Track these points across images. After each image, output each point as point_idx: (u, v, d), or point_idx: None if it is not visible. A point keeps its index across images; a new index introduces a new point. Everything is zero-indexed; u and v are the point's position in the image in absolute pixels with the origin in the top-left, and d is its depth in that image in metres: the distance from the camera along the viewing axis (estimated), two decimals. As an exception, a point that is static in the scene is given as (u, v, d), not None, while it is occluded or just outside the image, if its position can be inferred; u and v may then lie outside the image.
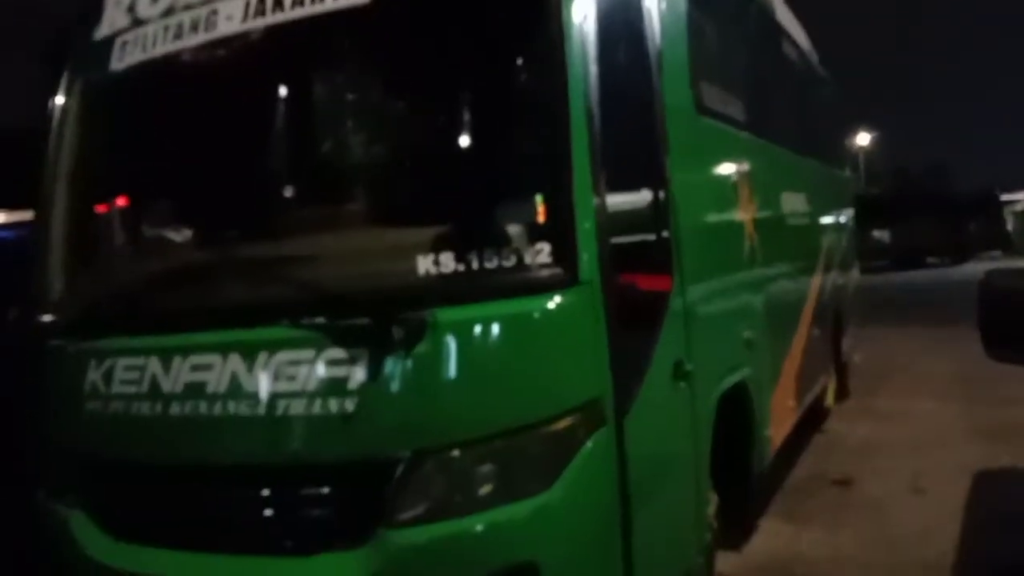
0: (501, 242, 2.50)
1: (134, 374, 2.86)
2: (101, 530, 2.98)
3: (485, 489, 2.50)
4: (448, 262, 2.51)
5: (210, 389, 2.69)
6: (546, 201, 2.57)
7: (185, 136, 3.20)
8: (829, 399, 7.21)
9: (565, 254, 2.52)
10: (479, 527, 2.48)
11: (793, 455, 6.16)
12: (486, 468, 2.51)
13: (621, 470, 2.65)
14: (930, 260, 28.05)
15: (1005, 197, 33.09)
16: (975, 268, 24.39)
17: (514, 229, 2.52)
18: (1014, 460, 5.72)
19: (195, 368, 2.73)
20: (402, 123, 2.78)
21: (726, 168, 4.26)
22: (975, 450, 6.11)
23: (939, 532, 4.61)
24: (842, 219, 8.16)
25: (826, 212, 7.24)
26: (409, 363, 2.48)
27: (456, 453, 2.51)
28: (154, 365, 2.81)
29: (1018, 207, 36.10)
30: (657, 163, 3.25)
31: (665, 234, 3.24)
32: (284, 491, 2.67)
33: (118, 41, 3.29)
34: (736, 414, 4.09)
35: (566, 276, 2.53)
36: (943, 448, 6.26)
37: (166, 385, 2.78)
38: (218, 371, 2.68)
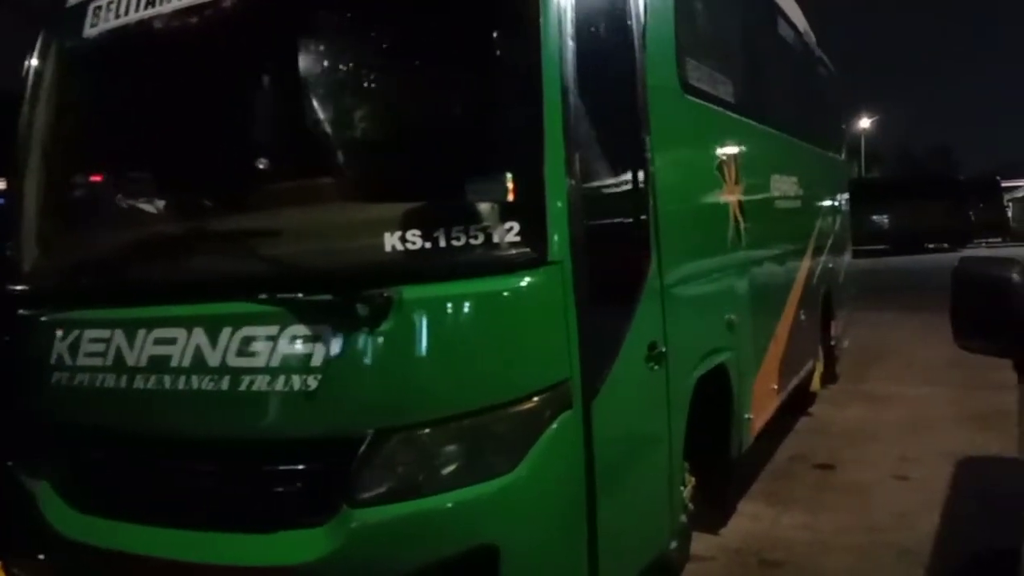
0: (470, 220, 2.46)
1: (100, 346, 2.83)
2: (67, 503, 2.97)
3: (448, 469, 2.48)
4: (415, 239, 2.47)
5: (174, 363, 2.67)
6: (516, 179, 2.52)
7: (155, 106, 3.15)
8: (815, 383, 7.18)
9: (534, 233, 2.48)
10: (442, 507, 2.46)
11: (778, 438, 6.14)
12: (450, 448, 2.49)
13: (588, 452, 2.63)
14: (930, 245, 28.00)
15: (1006, 183, 33.00)
16: (975, 254, 24.31)
17: (483, 207, 2.48)
18: (1001, 447, 5.69)
19: (159, 342, 2.70)
20: (372, 97, 2.72)
21: (712, 149, 4.20)
22: (962, 436, 6.10)
23: (919, 518, 4.60)
24: (835, 202, 8.09)
25: (817, 195, 7.18)
26: (373, 341, 2.45)
27: (420, 432, 2.49)
28: (119, 338, 2.78)
29: (1019, 193, 36.04)
30: (637, 142, 3.20)
31: (643, 215, 3.20)
32: (246, 467, 2.65)
33: (92, 6, 3.24)
34: (715, 396, 4.07)
35: (535, 256, 2.49)
36: (930, 433, 6.25)
37: (131, 358, 2.75)
38: (182, 345, 2.65)
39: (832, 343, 7.67)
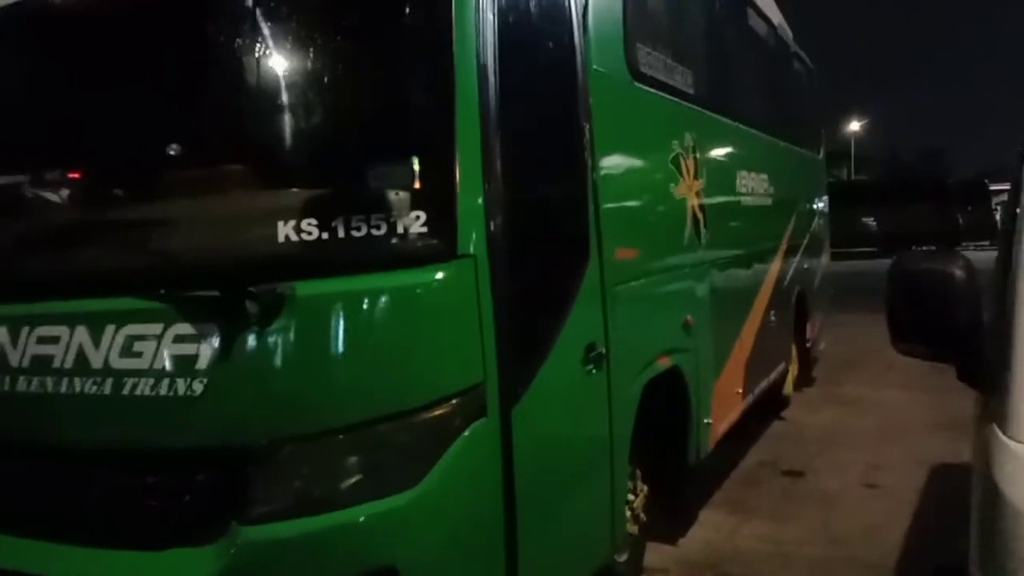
0: (372, 208, 2.24)
1: None
2: None
3: (346, 483, 2.26)
4: (312, 229, 2.24)
5: (56, 364, 2.44)
6: (423, 163, 2.30)
7: (45, 91, 2.91)
8: (788, 387, 6.99)
9: (443, 224, 2.27)
10: (338, 525, 2.23)
11: (748, 443, 5.98)
12: (348, 460, 2.27)
13: (506, 464, 2.42)
14: (919, 248, 27.96)
15: (995, 187, 32.98)
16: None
17: (386, 194, 2.26)
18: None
19: (42, 340, 2.48)
20: (263, 73, 2.45)
21: (666, 141, 3.99)
22: (936, 443, 5.94)
23: (886, 529, 4.44)
24: (810, 202, 7.88)
25: (790, 194, 6.96)
26: (264, 341, 2.23)
27: (315, 443, 2.26)
28: (2, 336, 2.55)
29: (1007, 197, 36.01)
30: (575, 131, 3.00)
31: (582, 208, 3.00)
32: (130, 478, 2.42)
33: None
34: (670, 400, 3.87)
35: (444, 248, 2.28)
36: (904, 440, 6.10)
37: (14, 358, 2.53)
38: (64, 344, 2.43)
39: (807, 345, 7.48)
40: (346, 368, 2.26)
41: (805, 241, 7.23)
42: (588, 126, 3.04)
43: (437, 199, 2.27)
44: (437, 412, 2.29)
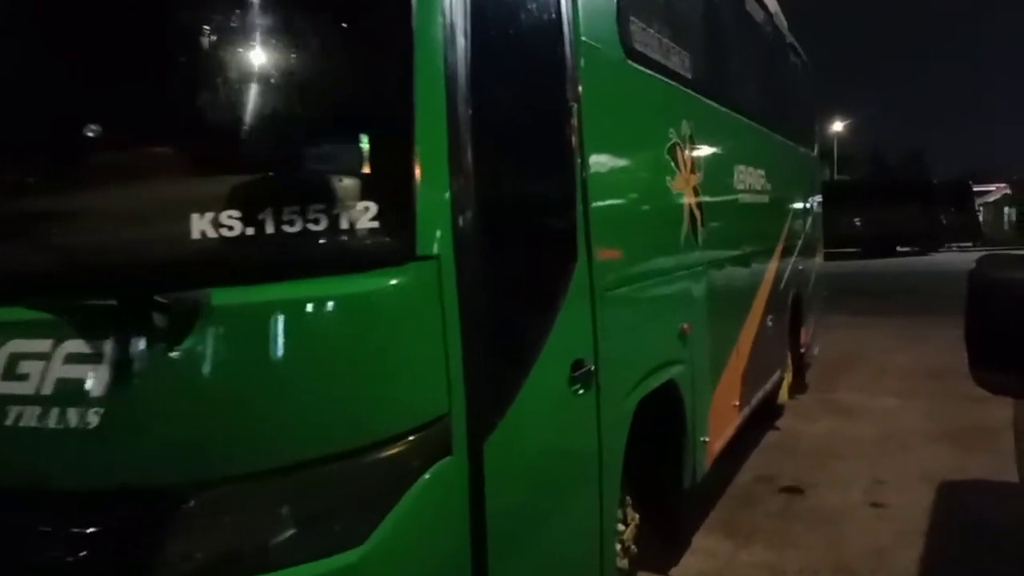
0: (309, 198, 1.80)
1: None
2: None
3: (280, 539, 1.82)
4: (234, 223, 1.80)
5: None
6: (375, 142, 1.86)
7: None
8: (783, 395, 6.64)
9: (399, 217, 1.84)
10: None
11: (742, 456, 5.66)
12: (283, 510, 1.83)
13: (475, 512, 1.99)
14: (902, 248, 28.07)
15: (978, 188, 33.12)
16: (946, 258, 24.60)
17: (328, 181, 1.82)
18: (981, 468, 5.23)
19: None
20: (178, 34, 1.99)
21: (663, 129, 3.58)
22: (940, 455, 5.73)
23: (896, 555, 4.13)
24: (805, 201, 7.53)
25: (787, 191, 6.60)
26: (173, 362, 1.79)
27: (238, 489, 1.82)
28: None
29: (990, 198, 36.37)
30: (562, 111, 2.59)
31: (569, 202, 2.59)
32: (10, 529, 1.97)
33: None
34: (664, 418, 3.47)
35: (399, 248, 1.85)
36: (906, 452, 5.84)
37: None
38: None
39: (802, 351, 7.15)
40: (276, 397, 1.82)
41: (801, 241, 6.91)
42: (576, 106, 2.63)
43: (392, 186, 1.85)
44: (391, 451, 1.86)
